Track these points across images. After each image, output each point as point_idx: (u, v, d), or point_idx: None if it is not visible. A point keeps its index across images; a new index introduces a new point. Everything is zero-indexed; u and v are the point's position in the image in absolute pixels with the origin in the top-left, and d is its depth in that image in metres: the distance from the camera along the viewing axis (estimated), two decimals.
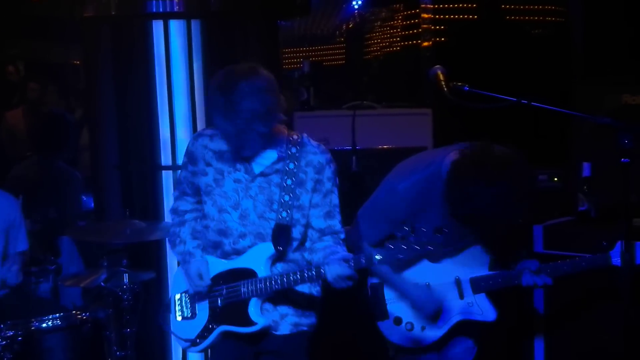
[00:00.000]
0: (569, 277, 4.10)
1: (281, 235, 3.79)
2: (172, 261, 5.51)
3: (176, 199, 4.13)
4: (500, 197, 3.56)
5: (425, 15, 8.48)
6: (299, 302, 3.93)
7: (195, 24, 5.47)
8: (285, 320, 3.92)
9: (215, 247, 3.93)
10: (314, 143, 3.92)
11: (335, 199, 3.88)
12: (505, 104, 3.64)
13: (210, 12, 5.57)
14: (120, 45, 5.65)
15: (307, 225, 3.88)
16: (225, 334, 3.89)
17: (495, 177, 3.57)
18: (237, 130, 3.64)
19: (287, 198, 3.80)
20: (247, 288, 3.79)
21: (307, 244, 3.91)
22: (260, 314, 3.81)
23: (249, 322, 3.80)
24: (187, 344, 3.98)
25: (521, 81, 6.01)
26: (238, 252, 3.86)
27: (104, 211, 5.86)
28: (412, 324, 4.14)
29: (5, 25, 10.78)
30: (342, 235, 3.90)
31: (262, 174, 3.83)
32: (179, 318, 3.99)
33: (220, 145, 3.88)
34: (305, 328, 3.96)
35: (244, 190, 3.85)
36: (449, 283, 4.13)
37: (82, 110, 9.96)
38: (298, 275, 3.69)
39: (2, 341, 4.28)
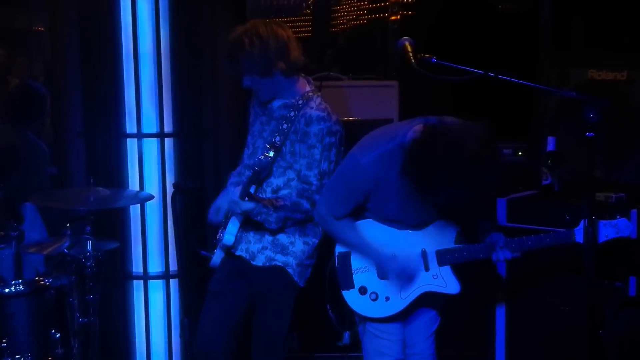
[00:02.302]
0: (532, 251, 4.15)
1: (261, 171, 4.26)
2: (135, 229, 5.52)
3: None
4: (461, 172, 3.57)
5: None
6: (277, 241, 4.40)
7: None
8: (262, 253, 4.40)
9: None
10: (318, 102, 4.35)
11: (317, 154, 4.24)
12: (472, 77, 3.64)
13: None
14: (87, 13, 5.60)
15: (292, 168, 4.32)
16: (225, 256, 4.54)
17: (455, 151, 3.58)
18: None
19: (277, 139, 4.28)
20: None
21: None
22: (232, 233, 4.42)
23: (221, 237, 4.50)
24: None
25: (488, 55, 6.01)
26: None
27: (68, 178, 5.83)
28: (376, 294, 4.16)
29: None
30: (313, 187, 4.25)
31: (273, 117, 4.38)
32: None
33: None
34: (279, 263, 4.40)
35: (261, 131, 4.44)
36: (415, 254, 4.16)
37: (44, 78, 9.88)
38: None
39: None
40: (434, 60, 3.70)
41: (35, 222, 5.90)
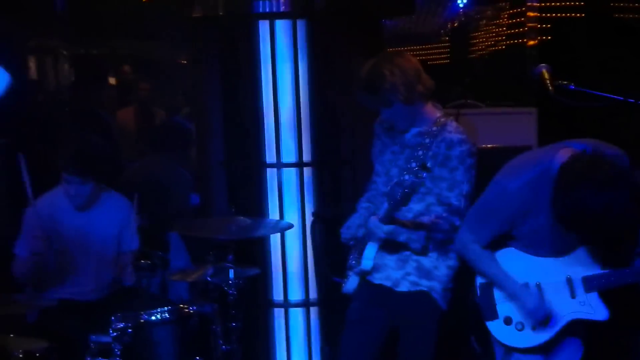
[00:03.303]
0: None
1: (397, 190, 4.15)
2: (275, 258, 5.59)
3: None
4: (612, 205, 3.52)
5: (531, 14, 8.40)
6: (421, 267, 4.41)
7: (300, 24, 5.52)
8: (406, 279, 4.42)
9: None
10: (455, 125, 4.35)
11: (459, 175, 4.26)
12: (612, 103, 3.59)
13: (316, 12, 5.62)
14: (227, 45, 5.74)
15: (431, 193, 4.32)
16: (361, 283, 4.55)
17: (607, 184, 3.53)
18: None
19: (413, 165, 4.27)
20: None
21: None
22: (370, 257, 4.42)
23: (359, 262, 4.48)
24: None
25: (629, 79, 5.90)
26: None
27: (210, 207, 5.97)
28: (522, 324, 4.11)
29: (115, 25, 11.02)
30: (453, 207, 4.26)
31: (407, 146, 4.39)
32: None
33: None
34: (424, 288, 4.40)
35: (394, 160, 4.46)
36: (560, 282, 4.09)
37: (188, 109, 10.13)
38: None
39: (113, 332, 4.40)
40: (572, 87, 3.66)
41: (180, 250, 6.06)
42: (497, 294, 4.15)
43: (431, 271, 4.41)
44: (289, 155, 5.55)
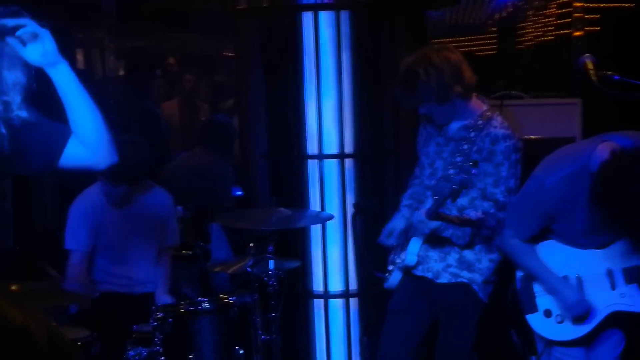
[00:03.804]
0: None
1: (443, 185, 4.18)
2: (316, 249, 5.60)
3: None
4: None
5: (578, 4, 8.31)
6: (463, 259, 4.40)
7: (344, 15, 5.51)
8: (446, 271, 4.42)
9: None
10: (500, 120, 4.35)
11: (504, 171, 4.23)
12: None
13: (359, 3, 5.61)
14: (271, 37, 5.75)
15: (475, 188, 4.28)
16: (403, 276, 4.58)
17: None
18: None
19: (458, 159, 4.29)
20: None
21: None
22: (414, 252, 4.43)
23: (402, 258, 4.51)
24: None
25: None
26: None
27: (252, 199, 5.98)
28: (562, 317, 4.07)
29: (160, 19, 11.09)
30: (500, 204, 4.22)
31: (451, 139, 4.38)
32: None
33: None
34: (465, 280, 4.41)
35: (439, 152, 4.45)
36: (601, 274, 4.05)
37: (232, 101, 10.18)
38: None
39: (153, 322, 4.43)
40: (617, 77, 3.63)
41: (221, 241, 6.10)
42: (537, 287, 4.13)
43: (473, 263, 4.40)
44: (331, 147, 5.55)
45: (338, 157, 5.55)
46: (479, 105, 4.41)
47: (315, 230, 5.60)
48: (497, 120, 4.34)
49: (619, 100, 3.99)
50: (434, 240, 4.41)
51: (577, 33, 8.24)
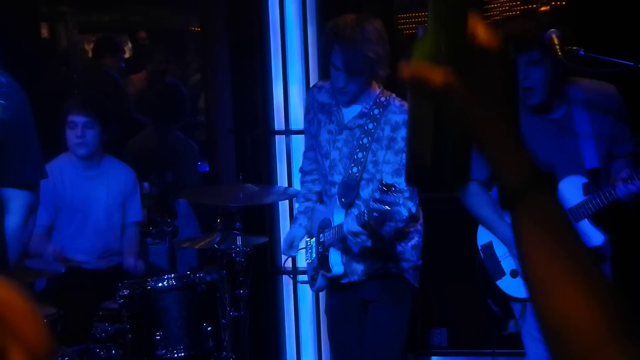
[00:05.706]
0: None
1: (348, 189, 4.12)
2: (284, 225, 5.59)
3: (303, 155, 4.61)
4: None
5: None
6: (384, 252, 4.24)
7: None
8: (372, 267, 4.25)
9: (324, 194, 4.38)
10: (398, 103, 4.12)
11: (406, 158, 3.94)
12: (622, 69, 3.55)
13: None
14: (236, 13, 5.71)
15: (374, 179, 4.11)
16: (329, 281, 4.34)
17: None
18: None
19: (360, 155, 4.12)
20: (324, 237, 4.25)
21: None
22: (338, 262, 4.20)
23: (328, 269, 4.23)
24: (307, 281, 4.60)
25: None
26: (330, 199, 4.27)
27: (219, 175, 5.97)
28: None
29: None
30: (407, 194, 3.92)
31: (346, 127, 4.18)
32: (306, 261, 4.54)
33: (325, 97, 4.28)
34: (394, 270, 4.25)
35: (333, 141, 4.22)
36: None
37: (199, 76, 10.13)
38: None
39: (119, 299, 4.42)
40: (582, 52, 3.63)
41: (188, 218, 6.09)
42: (499, 250, 4.16)
43: (397, 254, 4.26)
44: (298, 123, 5.53)
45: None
46: (374, 87, 4.17)
47: (283, 206, 5.59)
48: (395, 104, 4.12)
49: (583, 75, 4.01)
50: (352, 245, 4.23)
51: (544, 8, 8.25)
